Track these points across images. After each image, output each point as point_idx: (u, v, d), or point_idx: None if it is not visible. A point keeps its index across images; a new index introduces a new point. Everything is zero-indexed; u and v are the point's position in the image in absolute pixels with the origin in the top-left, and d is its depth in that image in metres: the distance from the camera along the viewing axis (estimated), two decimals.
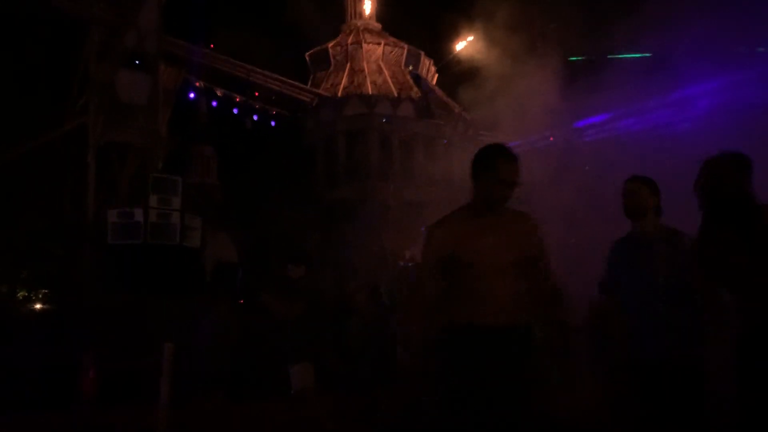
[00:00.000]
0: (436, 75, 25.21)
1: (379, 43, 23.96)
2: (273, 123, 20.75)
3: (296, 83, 21.94)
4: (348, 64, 23.48)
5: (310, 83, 23.46)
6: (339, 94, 22.63)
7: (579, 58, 16.15)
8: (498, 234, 2.65)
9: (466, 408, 2.54)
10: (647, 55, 12.20)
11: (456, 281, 2.63)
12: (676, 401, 3.06)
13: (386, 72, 23.44)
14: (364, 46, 23.68)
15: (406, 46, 24.16)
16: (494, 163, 2.65)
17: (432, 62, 24.86)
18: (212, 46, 19.15)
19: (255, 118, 19.84)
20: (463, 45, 23.72)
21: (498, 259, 2.61)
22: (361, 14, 24.80)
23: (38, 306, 14.01)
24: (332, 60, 23.94)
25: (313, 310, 5.92)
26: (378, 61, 23.67)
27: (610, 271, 3.42)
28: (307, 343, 5.87)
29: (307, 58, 24.34)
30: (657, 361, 3.10)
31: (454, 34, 23.73)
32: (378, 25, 24.88)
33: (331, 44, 23.98)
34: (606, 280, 3.46)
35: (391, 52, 24.01)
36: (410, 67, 24.23)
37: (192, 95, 18.10)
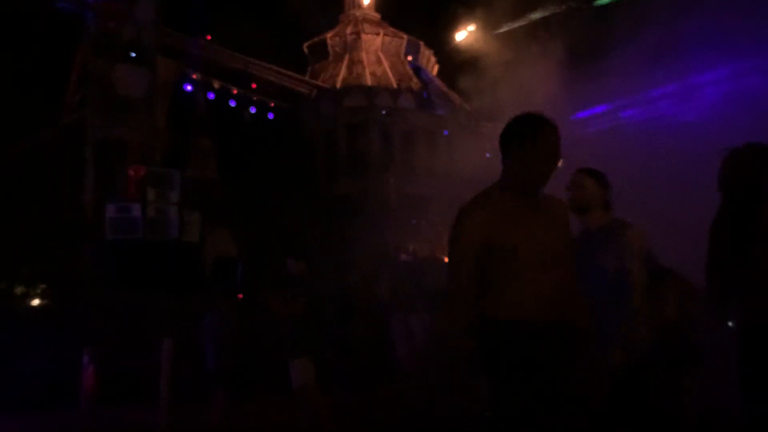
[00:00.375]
0: (437, 66, 25.04)
1: (378, 34, 23.77)
2: (271, 115, 20.60)
3: (295, 75, 21.78)
4: (347, 55, 23.31)
5: (308, 74, 23.30)
6: (338, 86, 22.47)
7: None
8: (542, 217, 2.33)
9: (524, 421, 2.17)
10: None
11: (494, 272, 2.26)
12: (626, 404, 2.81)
13: (386, 63, 23.27)
14: (363, 36, 23.49)
15: (405, 37, 23.97)
16: (534, 134, 2.29)
17: (432, 53, 24.68)
18: (209, 37, 18.99)
19: (253, 110, 19.70)
20: (464, 35, 23.54)
21: (545, 245, 2.27)
22: (359, 4, 24.59)
23: (37, 302, 13.95)
24: (331, 51, 23.76)
25: (314, 306, 5.85)
26: (377, 52, 23.49)
27: None
28: (308, 340, 5.81)
29: (306, 49, 24.16)
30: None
31: (454, 23, 23.56)
32: (377, 15, 24.68)
33: (329, 35, 23.79)
34: None
35: (391, 42, 23.82)
36: (410, 58, 24.05)
37: (189, 88, 17.95)
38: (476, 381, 2.24)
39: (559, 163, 2.29)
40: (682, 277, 4.19)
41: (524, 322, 2.21)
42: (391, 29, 24.25)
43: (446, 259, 2.29)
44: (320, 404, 5.77)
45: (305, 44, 24.04)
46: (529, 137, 2.29)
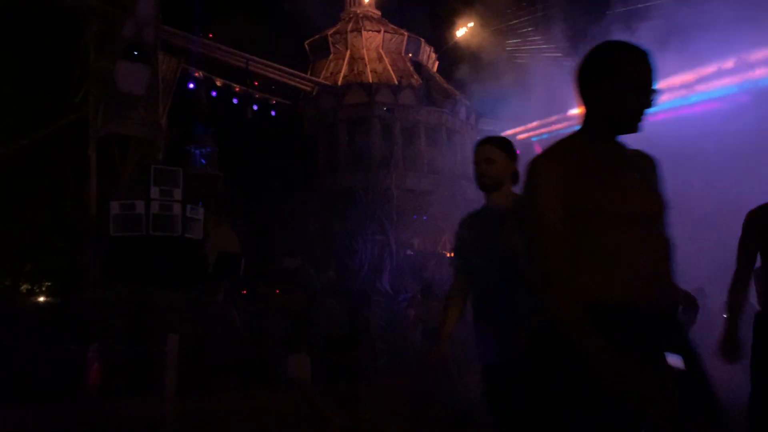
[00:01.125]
0: (437, 62, 25.09)
1: (378, 31, 23.81)
2: (273, 112, 20.69)
3: (296, 72, 21.85)
4: (348, 52, 23.36)
5: (309, 72, 23.35)
6: (339, 83, 22.53)
7: None
8: (633, 172, 1.86)
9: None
10: None
11: (575, 243, 1.79)
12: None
13: (386, 59, 23.32)
14: (364, 33, 23.55)
15: (406, 33, 24.02)
16: (620, 63, 1.81)
17: (432, 49, 24.73)
18: (211, 35, 19.06)
19: (255, 107, 19.78)
20: (464, 31, 23.58)
21: (638, 206, 1.80)
22: (360, 1, 24.63)
23: (42, 299, 14.03)
24: (332, 48, 23.81)
25: (312, 300, 5.91)
26: (378, 49, 23.54)
27: (458, 253, 2.90)
28: (305, 335, 5.86)
29: (307, 47, 24.21)
30: (511, 362, 2.47)
31: (454, 20, 23.60)
32: (377, 12, 24.72)
33: (330, 32, 23.84)
34: (455, 263, 2.93)
35: (391, 39, 23.87)
36: (410, 55, 24.10)
37: (191, 85, 18.02)
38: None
39: (654, 98, 1.82)
40: None
41: (617, 305, 1.73)
42: (392, 26, 24.30)
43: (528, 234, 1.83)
44: (317, 397, 5.84)
45: (306, 42, 24.09)
46: (613, 67, 1.82)
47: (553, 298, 1.77)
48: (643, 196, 1.83)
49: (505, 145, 2.83)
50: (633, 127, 1.84)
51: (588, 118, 1.90)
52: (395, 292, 15.50)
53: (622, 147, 1.90)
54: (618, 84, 1.81)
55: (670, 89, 13.86)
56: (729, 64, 12.80)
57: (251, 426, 7.58)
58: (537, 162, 1.85)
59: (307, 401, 5.86)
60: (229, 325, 8.68)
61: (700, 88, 13.56)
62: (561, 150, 1.87)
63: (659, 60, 1.85)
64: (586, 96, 1.89)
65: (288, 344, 5.94)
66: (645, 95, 1.81)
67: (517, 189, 2.79)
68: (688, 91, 13.61)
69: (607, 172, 1.81)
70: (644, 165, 1.94)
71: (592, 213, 1.76)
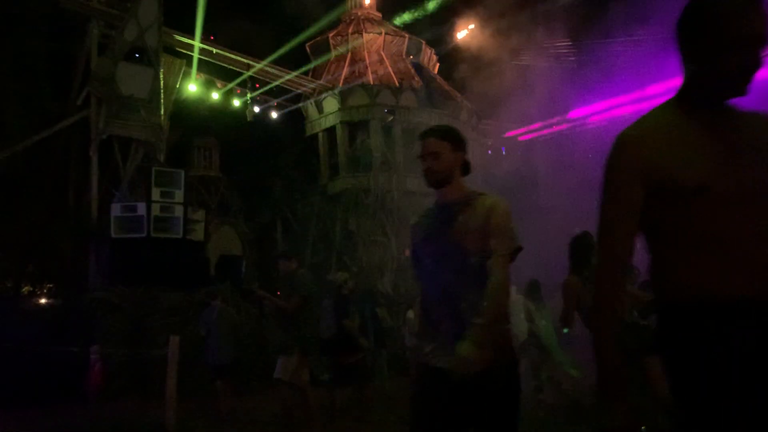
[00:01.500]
0: (438, 64, 25.11)
1: (380, 33, 23.83)
2: (274, 114, 20.74)
3: (297, 74, 21.88)
4: (349, 54, 23.39)
5: (310, 74, 23.38)
6: (340, 85, 22.56)
7: None
8: (745, 137, 1.55)
9: None
10: None
11: (670, 228, 1.52)
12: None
13: (387, 61, 23.34)
14: (365, 35, 23.56)
15: (407, 36, 24.04)
16: (722, 13, 1.52)
17: (433, 51, 24.75)
18: (212, 37, 19.10)
19: (256, 109, 19.81)
20: (465, 33, 23.61)
21: (753, 180, 1.49)
22: (361, 3, 24.66)
23: (43, 300, 14.06)
24: (333, 50, 23.84)
25: (309, 303, 5.92)
26: (379, 51, 23.56)
27: (413, 252, 2.72)
28: (300, 337, 5.87)
29: (308, 49, 24.24)
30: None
31: (455, 22, 23.63)
32: (378, 15, 24.75)
33: (331, 34, 23.86)
34: (414, 270, 2.79)
35: (392, 41, 23.88)
36: (411, 56, 24.12)
37: (193, 87, 18.06)
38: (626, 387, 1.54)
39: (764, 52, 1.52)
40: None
41: (733, 302, 1.43)
42: (393, 28, 24.32)
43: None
44: (311, 398, 5.84)
45: (307, 44, 24.12)
46: (712, 19, 1.52)
47: (597, 292, 1.57)
48: (757, 170, 1.49)
49: (449, 134, 2.60)
50: (739, 89, 1.55)
51: (687, 82, 1.63)
52: (396, 294, 15.52)
53: (731, 112, 1.59)
54: (719, 38, 1.52)
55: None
56: None
57: (251, 428, 7.60)
58: (621, 136, 1.58)
59: (296, 403, 5.87)
60: (222, 326, 8.73)
61: None
62: (652, 120, 1.60)
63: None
64: (685, 55, 1.62)
65: (280, 346, 5.94)
66: (752, 51, 1.51)
67: (469, 181, 2.64)
68: None
69: (710, 143, 1.52)
70: (760, 130, 1.57)
71: (692, 192, 1.48)
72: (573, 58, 19.04)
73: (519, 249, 2.48)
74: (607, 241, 1.59)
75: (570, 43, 18.61)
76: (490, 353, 2.26)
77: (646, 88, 14.89)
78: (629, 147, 1.56)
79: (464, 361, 2.22)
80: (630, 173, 1.53)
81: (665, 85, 14.62)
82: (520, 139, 23.54)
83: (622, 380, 1.54)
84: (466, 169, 2.62)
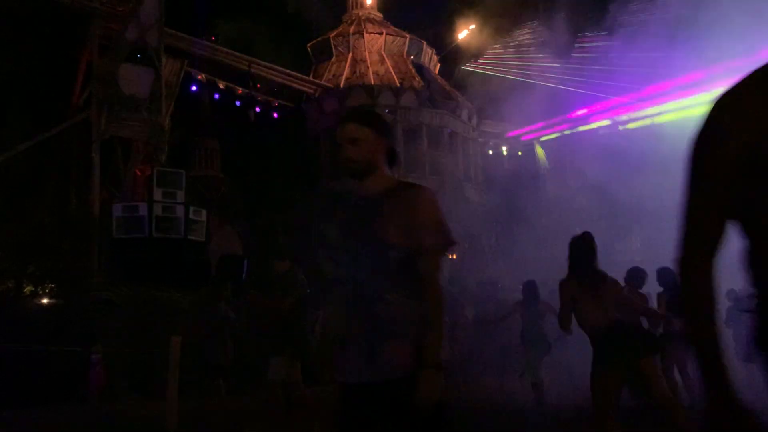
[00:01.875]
0: (439, 64, 25.12)
1: (380, 33, 23.85)
2: (275, 115, 20.74)
3: (298, 74, 21.90)
4: (350, 55, 23.40)
5: (312, 74, 23.40)
6: (341, 85, 22.57)
7: None
8: None
9: None
10: None
11: None
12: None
13: (388, 62, 23.35)
14: (366, 35, 23.59)
15: (408, 36, 24.06)
16: None
17: (434, 51, 24.76)
18: (213, 38, 19.12)
19: (257, 110, 19.83)
20: (465, 33, 23.62)
21: None
22: (362, 4, 24.68)
23: (45, 300, 14.07)
24: (334, 50, 23.86)
25: (302, 304, 5.91)
26: (380, 51, 23.57)
27: (324, 258, 2.44)
28: (291, 338, 5.86)
29: (309, 49, 24.26)
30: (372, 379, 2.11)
31: (456, 22, 23.63)
32: (379, 15, 24.77)
33: (332, 34, 23.89)
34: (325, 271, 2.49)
35: (393, 41, 23.90)
36: (412, 57, 24.14)
37: (194, 88, 18.08)
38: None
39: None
40: (616, 283, 4.35)
41: None
42: (394, 28, 24.34)
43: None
44: (303, 399, 5.85)
45: (308, 44, 24.15)
46: None
47: (681, 275, 1.35)
48: None
49: (372, 119, 2.34)
50: None
51: None
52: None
53: None
54: None
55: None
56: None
57: (252, 427, 7.61)
58: (715, 101, 1.33)
59: (291, 404, 5.88)
60: (225, 327, 8.75)
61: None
62: (752, 79, 1.32)
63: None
64: None
65: (272, 347, 5.93)
66: None
67: (396, 171, 2.36)
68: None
69: None
70: None
71: None
72: (575, 56, 19.03)
73: (452, 244, 2.24)
74: (694, 227, 1.33)
75: (573, 41, 18.60)
76: (413, 361, 2.07)
77: (649, 88, 14.84)
78: (725, 114, 1.30)
79: (428, 394, 2.03)
80: (724, 145, 1.28)
81: (670, 84, 14.51)
82: (523, 139, 23.53)
83: (727, 379, 1.29)
84: (392, 158, 2.35)
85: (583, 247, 4.25)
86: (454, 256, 19.99)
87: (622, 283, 5.36)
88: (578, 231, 4.39)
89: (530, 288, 7.92)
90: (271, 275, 6.25)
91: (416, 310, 2.15)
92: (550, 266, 7.89)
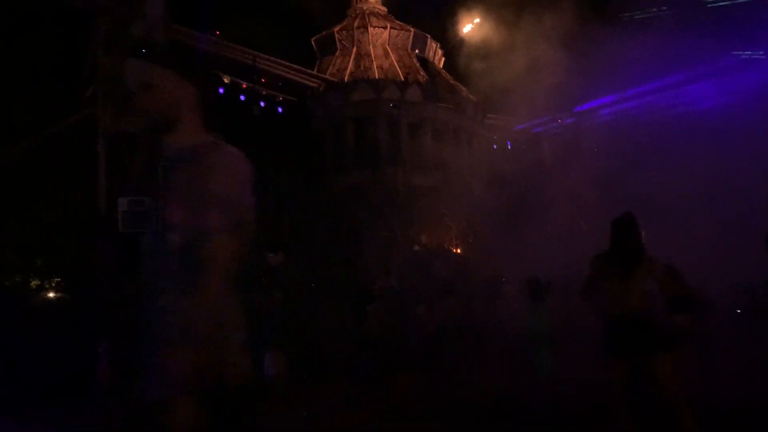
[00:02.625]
0: (443, 58, 25.04)
1: (385, 27, 23.78)
2: (280, 109, 20.72)
3: (303, 69, 21.87)
4: (354, 49, 23.35)
5: (316, 68, 23.37)
6: (346, 79, 22.53)
7: None
8: None
9: None
10: None
11: None
12: None
13: (393, 56, 23.29)
14: (370, 30, 23.53)
15: (412, 30, 23.98)
16: None
17: (439, 45, 24.68)
18: (218, 33, 19.10)
19: (262, 104, 19.81)
20: (470, 27, 23.51)
21: None
22: None
23: (51, 295, 14.14)
24: (338, 45, 23.81)
25: (291, 299, 5.91)
26: (384, 45, 23.51)
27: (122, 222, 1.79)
28: (281, 332, 5.87)
29: (314, 43, 24.22)
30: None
31: (460, 16, 23.53)
32: (384, 9, 24.70)
33: (337, 29, 23.84)
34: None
35: (398, 35, 23.84)
36: (417, 51, 24.06)
37: None
38: None
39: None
40: (656, 259, 4.04)
41: None
42: (398, 23, 24.26)
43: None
44: (292, 394, 5.87)
45: (313, 38, 24.10)
46: None
47: None
48: None
49: (172, 58, 1.77)
50: None
51: None
52: (401, 289, 15.49)
53: None
54: None
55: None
56: None
57: (252, 426, 7.62)
58: None
59: (281, 397, 5.89)
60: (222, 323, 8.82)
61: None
62: None
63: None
64: None
65: (265, 342, 5.92)
66: None
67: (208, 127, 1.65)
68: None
69: None
70: None
71: None
72: (581, 49, 18.91)
73: (248, 224, 1.64)
74: None
75: (578, 33, 18.47)
76: (214, 376, 1.58)
77: (670, 75, 14.59)
78: None
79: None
80: None
81: (692, 71, 14.22)
82: (529, 132, 23.43)
83: None
84: (204, 110, 1.76)
85: (624, 228, 4.07)
86: (459, 251, 19.96)
87: None
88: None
89: (533, 285, 7.87)
90: (261, 269, 6.22)
91: (195, 311, 1.56)
92: (557, 261, 7.85)
